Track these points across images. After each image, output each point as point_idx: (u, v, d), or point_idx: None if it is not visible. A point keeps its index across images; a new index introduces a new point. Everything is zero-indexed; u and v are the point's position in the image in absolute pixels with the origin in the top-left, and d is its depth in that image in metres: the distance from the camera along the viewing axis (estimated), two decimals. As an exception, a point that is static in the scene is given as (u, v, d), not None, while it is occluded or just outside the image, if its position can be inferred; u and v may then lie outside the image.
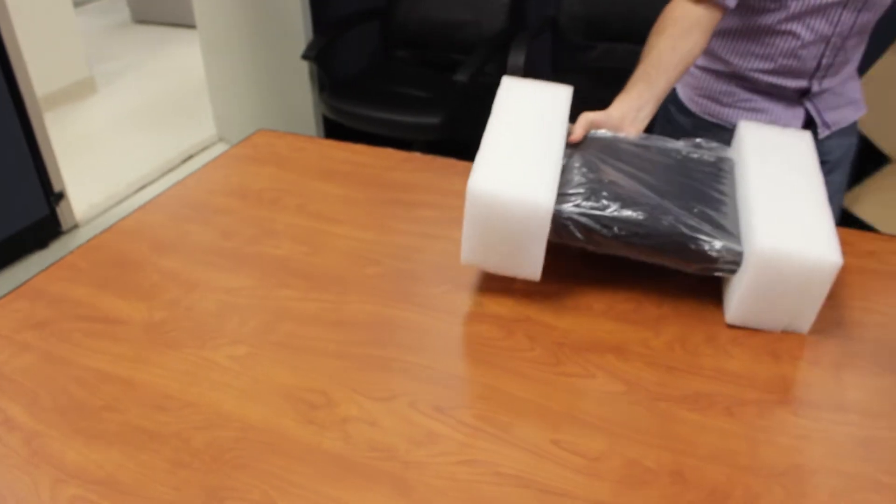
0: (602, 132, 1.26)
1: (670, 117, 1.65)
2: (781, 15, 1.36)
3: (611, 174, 1.16)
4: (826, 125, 1.51)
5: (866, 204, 2.35)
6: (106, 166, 3.72)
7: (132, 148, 3.92)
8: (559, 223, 1.11)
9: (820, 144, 1.48)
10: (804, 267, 1.03)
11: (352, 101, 3.04)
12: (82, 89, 4.53)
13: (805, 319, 1.09)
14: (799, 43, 1.38)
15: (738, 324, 1.11)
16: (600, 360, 1.06)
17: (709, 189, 1.17)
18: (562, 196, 1.12)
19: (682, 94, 1.62)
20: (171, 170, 3.68)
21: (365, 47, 3.46)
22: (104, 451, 0.94)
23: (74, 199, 3.26)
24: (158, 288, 1.23)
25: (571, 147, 1.23)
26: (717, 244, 1.08)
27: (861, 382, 1.02)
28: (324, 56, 3.08)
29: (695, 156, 1.25)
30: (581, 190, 1.13)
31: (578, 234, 1.11)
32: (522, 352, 1.07)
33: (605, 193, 1.13)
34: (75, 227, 3.22)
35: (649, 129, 1.32)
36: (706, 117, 1.58)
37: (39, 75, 3.66)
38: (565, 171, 1.17)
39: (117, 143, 4.01)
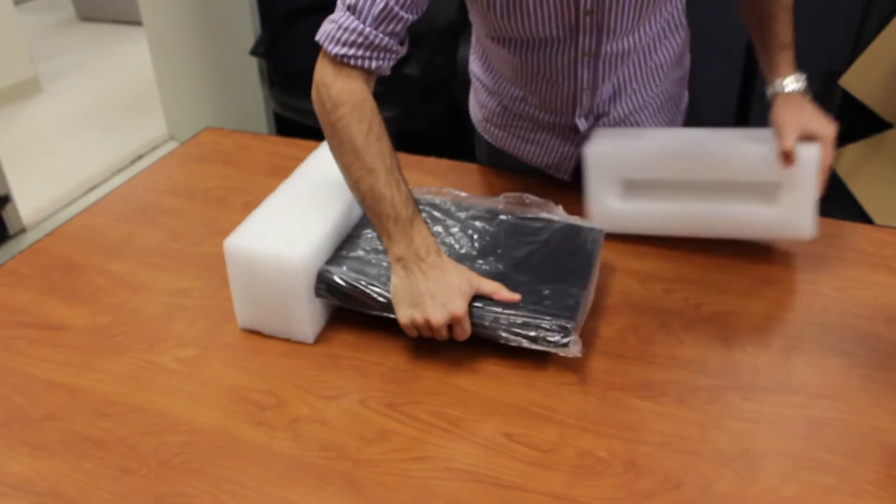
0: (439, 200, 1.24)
1: (477, 141, 1.56)
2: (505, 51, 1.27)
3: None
4: None
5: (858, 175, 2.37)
6: (53, 168, 3.64)
7: (80, 149, 3.84)
8: (332, 286, 1.06)
9: None
10: None
11: (302, 96, 3.00)
12: (26, 89, 4.43)
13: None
14: (541, 87, 1.29)
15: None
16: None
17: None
18: (339, 258, 1.10)
19: (470, 106, 1.52)
20: (120, 170, 3.62)
21: (313, 42, 3.42)
22: (47, 461, 0.91)
23: (21, 203, 3.19)
24: (103, 292, 1.21)
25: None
26: None
27: (808, 365, 1.03)
28: (272, 51, 3.04)
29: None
30: (360, 254, 1.11)
31: (338, 299, 1.07)
32: (473, 346, 1.06)
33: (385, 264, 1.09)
34: (22, 231, 3.16)
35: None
36: (485, 136, 1.49)
37: (-20, 76, 3.58)
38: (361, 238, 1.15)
39: (64, 143, 3.93)
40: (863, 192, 2.28)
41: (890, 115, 2.32)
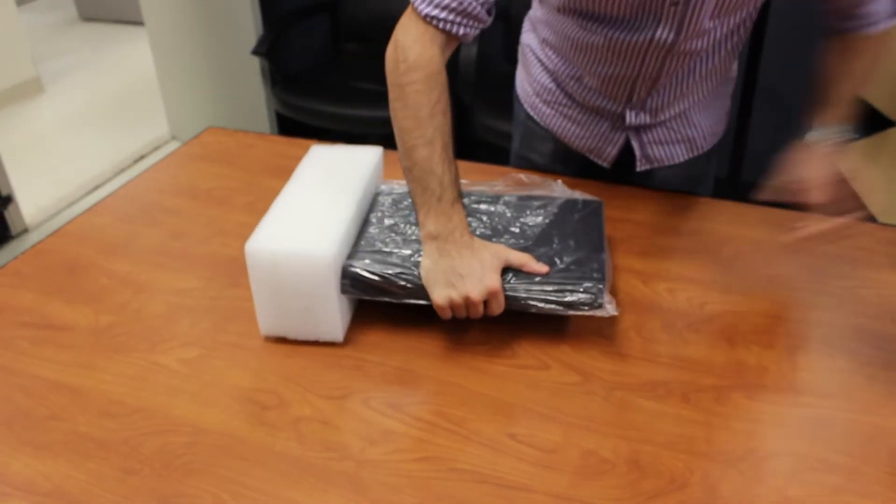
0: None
1: (516, 113, 1.56)
2: (582, 35, 1.26)
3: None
4: (647, 159, 1.40)
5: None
6: (55, 168, 3.64)
7: (82, 149, 3.84)
8: (357, 279, 1.06)
9: (646, 176, 1.42)
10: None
11: (304, 95, 3.01)
12: (28, 89, 4.43)
13: None
14: (602, 69, 1.28)
15: None
16: (555, 350, 1.05)
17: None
18: (357, 252, 1.10)
19: (518, 80, 1.51)
20: (123, 170, 3.62)
21: (315, 41, 3.42)
22: (51, 461, 0.91)
23: (23, 203, 3.19)
24: (106, 292, 1.20)
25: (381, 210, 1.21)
26: None
27: (814, 364, 1.03)
28: (274, 51, 3.04)
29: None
30: (375, 246, 1.11)
31: (365, 293, 1.07)
32: (477, 345, 1.06)
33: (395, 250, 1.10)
34: (25, 231, 3.15)
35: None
36: (530, 111, 1.48)
37: (-18, 76, 3.58)
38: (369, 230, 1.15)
39: (67, 144, 3.93)
40: (867, 190, 2.27)
41: (895, 113, 2.31)
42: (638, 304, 1.14)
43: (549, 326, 1.09)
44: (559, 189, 1.26)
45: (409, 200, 1.20)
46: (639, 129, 1.37)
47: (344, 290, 1.06)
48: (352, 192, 1.16)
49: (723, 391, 0.98)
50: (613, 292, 1.16)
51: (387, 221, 1.17)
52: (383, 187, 1.28)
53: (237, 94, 3.39)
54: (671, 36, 1.17)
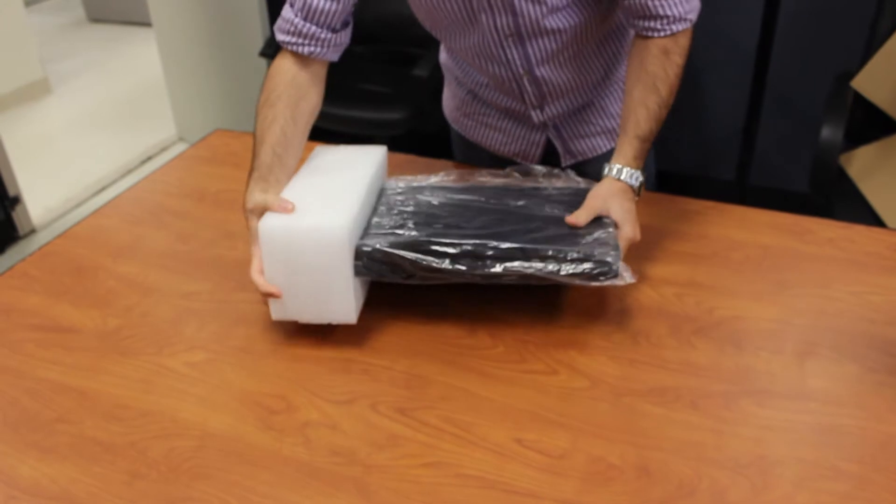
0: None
1: (452, 136, 1.59)
2: (453, 45, 1.32)
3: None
4: (570, 154, 1.44)
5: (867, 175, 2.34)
6: (63, 169, 3.65)
7: (89, 150, 3.85)
8: (371, 259, 1.06)
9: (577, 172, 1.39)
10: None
11: (311, 97, 3.00)
12: (36, 90, 4.44)
13: None
14: (485, 67, 1.32)
15: None
16: (563, 355, 1.05)
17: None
18: (369, 234, 1.10)
19: (444, 98, 1.55)
20: (130, 171, 3.62)
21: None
22: (58, 465, 0.91)
23: (31, 204, 3.20)
24: (113, 294, 1.20)
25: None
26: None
27: (822, 371, 1.02)
28: (282, 53, 3.04)
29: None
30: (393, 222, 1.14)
31: (380, 273, 1.07)
32: (485, 350, 1.06)
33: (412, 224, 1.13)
34: (32, 231, 3.16)
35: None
36: (454, 126, 1.52)
37: (-9, 77, 3.59)
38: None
39: (74, 144, 3.94)
40: (875, 195, 2.26)
41: (902, 117, 2.31)
42: (646, 309, 1.14)
43: (558, 331, 1.09)
44: (565, 179, 1.28)
45: (414, 194, 1.23)
46: (557, 127, 1.41)
47: (358, 272, 1.06)
48: (360, 180, 1.17)
49: (731, 397, 0.98)
50: (621, 296, 1.16)
51: (395, 210, 1.18)
52: (388, 183, 1.28)
53: (244, 95, 3.39)
54: (509, 18, 1.19)
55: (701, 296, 1.16)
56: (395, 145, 1.55)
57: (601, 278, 1.03)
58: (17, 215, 3.09)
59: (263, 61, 3.18)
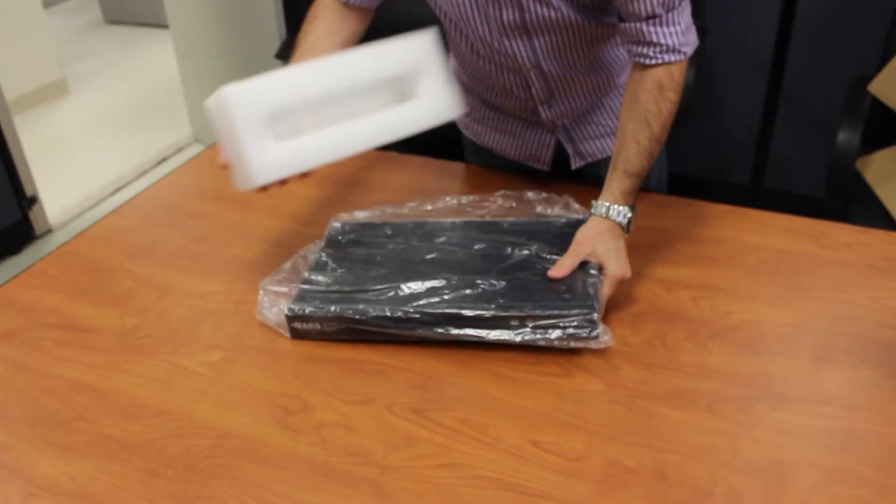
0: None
1: (464, 142, 1.59)
2: (462, 37, 1.32)
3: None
4: (580, 156, 1.44)
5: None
6: (79, 169, 3.67)
7: (106, 150, 3.87)
8: (304, 322, 1.09)
9: (589, 174, 1.42)
10: None
11: (327, 99, 3.01)
12: (54, 91, 4.47)
13: None
14: (491, 69, 1.33)
15: None
16: (579, 358, 1.05)
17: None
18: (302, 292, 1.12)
19: None
20: (146, 172, 3.64)
21: (339, 45, 3.43)
22: (76, 462, 0.92)
23: (48, 204, 3.22)
24: (130, 294, 1.21)
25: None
26: None
27: (839, 375, 1.02)
28: (298, 55, 3.05)
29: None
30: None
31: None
32: (500, 351, 1.06)
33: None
34: (49, 231, 3.18)
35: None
36: (464, 131, 1.52)
37: (9, 77, 3.60)
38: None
39: (91, 145, 3.96)
40: (892, 199, 2.25)
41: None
42: (661, 312, 1.14)
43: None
44: (561, 207, 1.30)
45: (365, 237, 1.25)
46: (566, 128, 1.41)
47: (295, 335, 1.10)
48: (326, 60, 1.16)
49: (747, 401, 0.98)
50: (636, 299, 1.16)
51: (339, 259, 1.20)
52: (335, 226, 1.29)
53: (260, 97, 3.40)
54: (515, 13, 1.20)
55: (717, 299, 1.16)
56: (407, 148, 1.55)
57: (576, 340, 1.03)
58: (34, 215, 3.11)
59: (279, 63, 3.19)
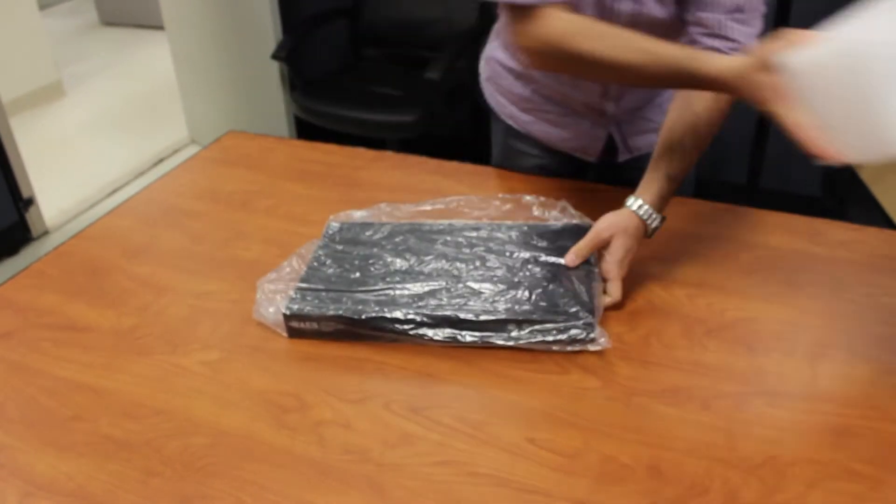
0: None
1: (494, 125, 1.58)
2: None
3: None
4: (628, 149, 1.46)
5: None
6: (76, 171, 3.67)
7: (102, 152, 3.87)
8: (301, 320, 1.09)
9: (632, 167, 1.39)
10: None
11: (323, 100, 3.02)
12: (50, 93, 4.47)
13: None
14: None
15: None
16: (575, 356, 1.05)
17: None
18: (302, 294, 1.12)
19: (488, 93, 1.53)
20: (142, 173, 3.64)
21: (335, 46, 3.44)
22: (74, 462, 0.92)
23: (44, 205, 3.22)
24: (128, 294, 1.21)
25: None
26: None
27: (834, 372, 1.02)
28: (294, 56, 3.05)
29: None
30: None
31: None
32: (497, 350, 1.06)
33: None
34: (46, 233, 3.18)
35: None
36: (508, 121, 1.51)
37: (5, 79, 3.61)
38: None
39: (87, 147, 3.96)
40: (888, 198, 2.25)
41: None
42: (658, 309, 1.14)
43: (569, 332, 1.09)
44: (559, 211, 1.30)
45: (360, 236, 1.25)
46: (619, 122, 1.42)
47: (292, 334, 1.10)
48: None
49: (743, 398, 0.98)
50: (633, 297, 1.16)
51: (334, 258, 1.20)
52: (332, 224, 1.30)
53: (256, 98, 3.40)
54: (630, 5, 1.19)
55: (713, 297, 1.16)
56: (406, 148, 1.56)
57: (575, 344, 1.04)
58: (30, 217, 3.11)
59: (275, 64, 3.20)
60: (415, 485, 0.87)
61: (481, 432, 0.94)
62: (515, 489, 0.86)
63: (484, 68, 1.54)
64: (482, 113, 2.59)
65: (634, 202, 1.16)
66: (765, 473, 0.87)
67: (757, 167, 2.87)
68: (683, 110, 1.17)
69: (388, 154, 1.62)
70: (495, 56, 1.48)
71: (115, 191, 3.49)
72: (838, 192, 2.17)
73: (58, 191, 3.44)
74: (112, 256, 1.31)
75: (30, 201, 3.11)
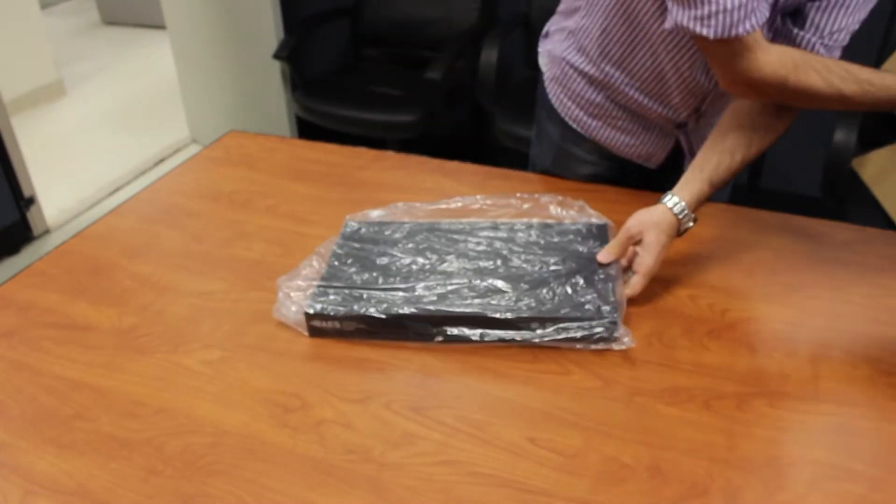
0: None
1: (541, 124, 1.56)
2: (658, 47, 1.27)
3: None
4: (693, 155, 1.39)
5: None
6: (77, 170, 3.67)
7: (103, 151, 3.87)
8: (323, 320, 1.09)
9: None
10: None
11: (324, 100, 3.03)
12: (51, 92, 4.47)
13: None
14: (670, 73, 1.30)
15: None
16: (576, 356, 1.05)
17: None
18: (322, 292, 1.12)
19: (553, 94, 1.50)
20: (143, 172, 3.64)
21: (336, 46, 3.44)
22: (75, 460, 0.92)
23: (45, 204, 3.22)
24: (129, 293, 1.21)
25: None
26: None
27: (836, 373, 1.02)
28: (295, 55, 3.06)
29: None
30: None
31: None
32: (498, 349, 1.07)
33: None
34: (46, 232, 3.18)
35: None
36: (572, 124, 1.49)
37: (6, 79, 3.61)
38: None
39: (88, 146, 3.96)
40: (888, 199, 2.26)
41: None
42: (659, 310, 1.14)
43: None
44: (576, 210, 1.30)
45: (381, 235, 1.25)
46: (687, 132, 1.41)
47: (313, 333, 1.10)
48: None
49: (744, 398, 0.98)
50: (634, 298, 1.16)
51: (353, 257, 1.20)
52: (350, 224, 1.30)
53: (257, 98, 3.41)
54: None
55: (714, 297, 1.16)
56: (406, 148, 1.56)
57: (599, 343, 1.05)
58: (31, 216, 3.11)
59: (277, 64, 3.20)
60: (416, 484, 0.87)
61: (482, 432, 0.94)
62: (516, 489, 0.87)
63: (549, 67, 1.49)
64: (482, 113, 2.60)
65: (671, 199, 1.16)
66: (766, 474, 0.87)
67: (757, 167, 2.87)
68: (742, 118, 1.17)
69: (389, 154, 1.62)
70: (568, 58, 1.43)
71: (116, 190, 3.49)
72: (838, 193, 2.17)
73: (59, 190, 3.44)
74: (113, 256, 1.31)
75: (31, 200, 3.11)
